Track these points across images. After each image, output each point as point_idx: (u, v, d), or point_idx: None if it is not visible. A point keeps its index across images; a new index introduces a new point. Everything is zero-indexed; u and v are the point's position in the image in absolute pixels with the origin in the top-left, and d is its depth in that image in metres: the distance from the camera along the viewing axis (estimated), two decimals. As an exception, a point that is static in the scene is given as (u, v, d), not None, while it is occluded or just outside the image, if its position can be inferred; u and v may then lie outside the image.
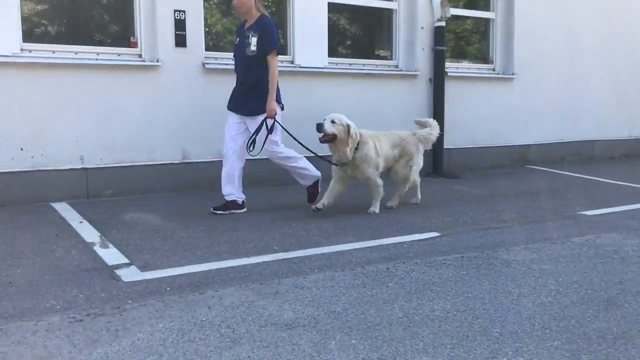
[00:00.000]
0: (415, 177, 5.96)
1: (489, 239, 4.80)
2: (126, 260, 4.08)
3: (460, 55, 8.93)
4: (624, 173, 8.41)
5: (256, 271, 3.91)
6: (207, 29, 6.67)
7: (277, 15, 7.17)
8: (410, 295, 3.50)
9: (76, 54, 5.99)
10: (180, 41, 6.32)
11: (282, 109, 5.58)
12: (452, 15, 8.03)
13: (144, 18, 6.23)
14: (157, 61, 6.22)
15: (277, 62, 5.40)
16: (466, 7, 8.88)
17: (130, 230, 4.87)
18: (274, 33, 5.40)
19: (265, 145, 5.40)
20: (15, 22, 5.67)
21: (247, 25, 5.45)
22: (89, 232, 4.76)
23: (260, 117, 5.38)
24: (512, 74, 8.76)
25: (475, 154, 8.59)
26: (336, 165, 5.56)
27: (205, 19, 6.62)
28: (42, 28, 6.12)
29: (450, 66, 8.33)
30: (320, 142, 5.42)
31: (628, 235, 4.95)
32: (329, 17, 7.36)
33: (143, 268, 3.94)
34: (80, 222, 5.08)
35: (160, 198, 6.12)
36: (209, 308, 3.26)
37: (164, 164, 6.36)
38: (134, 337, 2.88)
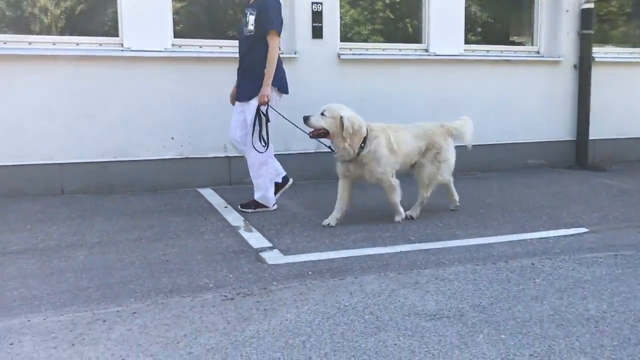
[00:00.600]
0: (445, 176, 5.00)
1: (646, 237, 4.42)
2: (269, 244, 4.25)
3: (604, 39, 8.24)
4: None
5: (394, 260, 3.90)
6: (341, 20, 6.73)
7: (410, 3, 7.08)
8: (560, 293, 3.31)
9: (221, 48, 6.32)
10: (317, 33, 6.44)
11: (286, 92, 5.09)
12: (599, -4, 7.47)
13: (285, 10, 6.40)
14: (295, 53, 6.40)
15: (279, 44, 4.93)
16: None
17: (270, 215, 5.07)
18: (274, 12, 4.88)
19: (253, 137, 4.90)
20: (168, 20, 6.10)
21: (250, 2, 5.02)
22: (233, 217, 5.02)
23: (253, 103, 4.90)
24: (670, 58, 7.97)
25: (624, 146, 7.94)
26: (339, 161, 4.75)
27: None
28: (190, 25, 6.52)
29: (598, 51, 7.74)
30: (310, 137, 4.71)
31: None
32: (465, 3, 7.13)
33: (285, 252, 4.08)
34: (225, 206, 5.37)
35: (298, 186, 6.29)
36: (350, 294, 3.30)
37: (299, 154, 6.52)
38: (282, 317, 2.99)
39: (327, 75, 6.54)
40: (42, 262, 3.87)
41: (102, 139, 5.90)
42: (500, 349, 2.64)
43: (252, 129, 4.96)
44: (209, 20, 6.67)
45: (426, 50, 7.01)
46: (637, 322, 2.91)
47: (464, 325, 2.88)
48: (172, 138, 6.14)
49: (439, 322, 2.92)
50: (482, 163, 7.12)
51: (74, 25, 6.07)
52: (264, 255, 4.01)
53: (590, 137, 7.55)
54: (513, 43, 7.81)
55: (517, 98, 7.35)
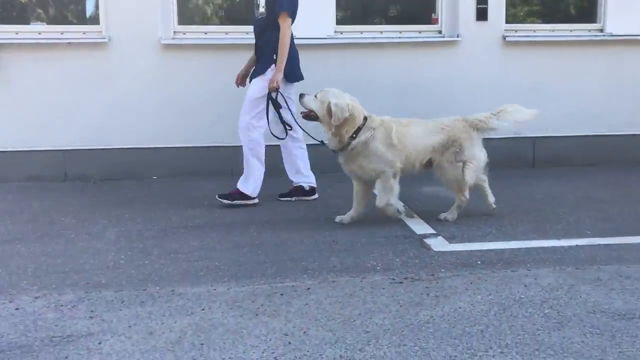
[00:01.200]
0: (468, 178, 4.30)
1: None
2: (432, 231, 4.20)
3: None
4: None
5: (570, 254, 3.67)
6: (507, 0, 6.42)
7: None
8: None
9: (381, 33, 6.33)
10: (482, 15, 6.20)
11: (293, 81, 4.86)
12: None
13: (446, -6, 6.27)
14: (457, 36, 6.22)
15: (290, 27, 4.70)
16: None
17: (429, 202, 5.01)
18: None
19: (249, 118, 4.71)
20: (331, 8, 6.22)
21: None
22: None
23: (255, 81, 4.76)
24: None
25: None
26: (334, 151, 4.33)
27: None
28: (351, 11, 6.59)
29: None
30: (302, 118, 4.41)
31: None
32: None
33: (450, 239, 4.01)
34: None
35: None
36: (525, 286, 3.15)
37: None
38: (455, 305, 2.93)
39: (490, 59, 6.29)
40: (221, 236, 4.17)
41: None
42: None
43: (247, 107, 4.80)
44: (371, 6, 6.68)
45: (601, 30, 6.47)
46: None
47: (661, 329, 2.63)
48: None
49: (630, 323, 2.69)
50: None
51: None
52: (428, 241, 3.97)
53: None
54: None
55: None
